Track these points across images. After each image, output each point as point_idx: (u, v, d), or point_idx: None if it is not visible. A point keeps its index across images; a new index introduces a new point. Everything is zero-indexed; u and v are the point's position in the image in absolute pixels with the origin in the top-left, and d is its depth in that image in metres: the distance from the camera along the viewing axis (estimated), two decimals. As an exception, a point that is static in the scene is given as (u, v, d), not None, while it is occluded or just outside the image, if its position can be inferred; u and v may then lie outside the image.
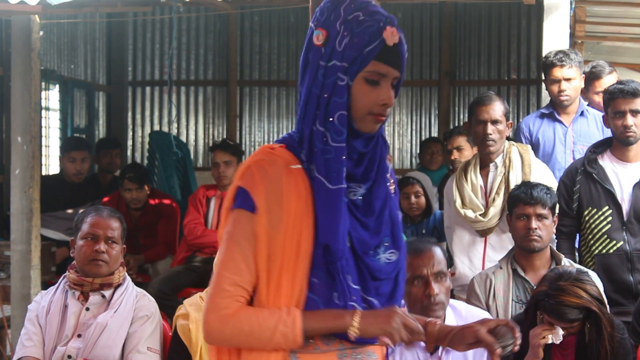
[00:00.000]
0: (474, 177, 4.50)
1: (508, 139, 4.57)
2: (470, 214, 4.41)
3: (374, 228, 2.04)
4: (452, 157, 6.02)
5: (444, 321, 3.29)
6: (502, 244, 4.37)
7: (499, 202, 4.37)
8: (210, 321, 1.98)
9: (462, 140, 6.00)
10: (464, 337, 2.11)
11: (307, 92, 2.00)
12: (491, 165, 4.48)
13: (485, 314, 3.47)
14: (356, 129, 2.00)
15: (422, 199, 5.50)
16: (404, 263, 2.11)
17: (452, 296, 3.59)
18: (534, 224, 3.90)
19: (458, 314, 3.34)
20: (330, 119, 1.97)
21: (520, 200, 3.95)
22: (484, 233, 4.44)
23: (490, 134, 4.40)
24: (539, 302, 3.38)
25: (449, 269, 4.59)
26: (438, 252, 3.25)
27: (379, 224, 2.04)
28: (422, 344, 3.28)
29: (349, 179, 2.00)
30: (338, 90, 1.97)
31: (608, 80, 5.20)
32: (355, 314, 1.97)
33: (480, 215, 4.40)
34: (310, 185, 1.99)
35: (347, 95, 1.97)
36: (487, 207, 4.42)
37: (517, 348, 2.10)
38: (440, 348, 3.23)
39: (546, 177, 4.40)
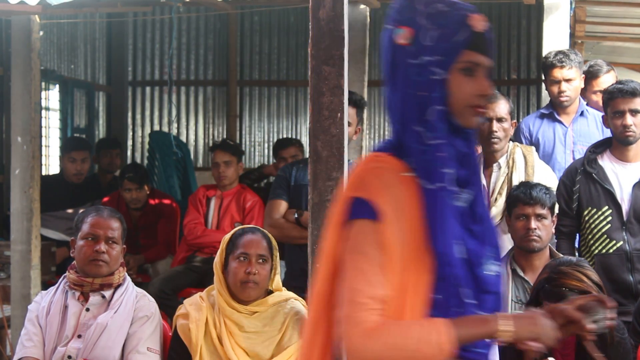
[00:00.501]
0: (478, 177, 4.50)
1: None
2: (471, 213, 4.41)
3: (481, 237, 1.92)
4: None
5: None
6: (502, 245, 4.37)
7: (500, 202, 4.37)
8: (352, 337, 1.79)
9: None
10: (552, 320, 1.94)
11: (402, 95, 1.91)
12: (494, 165, 4.48)
13: None
14: (457, 125, 1.91)
15: None
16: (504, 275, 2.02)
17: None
18: (534, 224, 3.90)
19: None
20: (428, 117, 1.88)
21: (520, 200, 3.96)
22: (484, 233, 4.44)
23: (496, 132, 4.40)
24: (541, 291, 3.39)
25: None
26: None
27: (484, 232, 1.94)
28: None
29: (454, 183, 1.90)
30: (434, 86, 1.88)
31: (606, 79, 5.20)
32: (500, 318, 1.84)
33: None
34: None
35: (443, 89, 1.89)
36: (489, 207, 4.42)
37: (611, 323, 1.97)
38: None
39: (549, 178, 4.40)
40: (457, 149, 1.91)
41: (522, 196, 3.96)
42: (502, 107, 4.42)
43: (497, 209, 4.38)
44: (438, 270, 1.85)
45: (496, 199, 4.40)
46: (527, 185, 4.04)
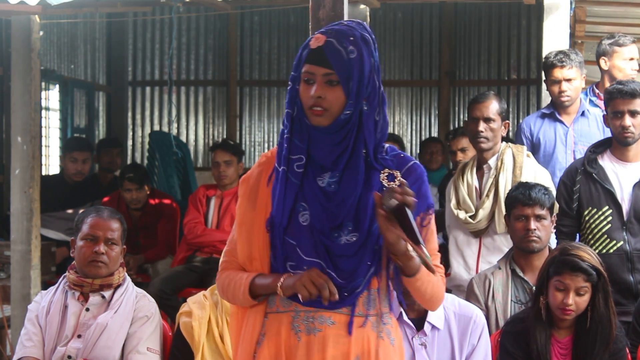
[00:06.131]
0: (470, 178, 4.48)
1: (508, 139, 4.55)
2: (462, 215, 4.40)
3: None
4: (457, 159, 6.00)
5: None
6: (495, 245, 4.35)
7: (487, 204, 4.34)
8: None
9: (465, 142, 5.98)
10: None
11: None
12: (485, 166, 4.47)
13: (473, 308, 3.55)
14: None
15: None
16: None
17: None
18: (533, 224, 3.90)
19: (450, 302, 3.48)
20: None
21: (519, 201, 3.95)
22: (477, 234, 4.42)
23: (482, 132, 4.38)
24: (551, 264, 3.48)
25: (447, 271, 4.60)
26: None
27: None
28: (410, 322, 3.36)
29: None
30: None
31: (632, 49, 5.18)
32: (284, 275, 2.33)
33: (469, 217, 4.38)
34: None
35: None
36: (477, 209, 4.40)
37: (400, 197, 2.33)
38: (427, 323, 3.39)
39: (540, 179, 4.34)
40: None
41: (521, 197, 3.95)
42: (490, 107, 4.40)
43: (484, 211, 4.33)
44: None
45: (484, 201, 4.37)
46: (525, 186, 4.03)
